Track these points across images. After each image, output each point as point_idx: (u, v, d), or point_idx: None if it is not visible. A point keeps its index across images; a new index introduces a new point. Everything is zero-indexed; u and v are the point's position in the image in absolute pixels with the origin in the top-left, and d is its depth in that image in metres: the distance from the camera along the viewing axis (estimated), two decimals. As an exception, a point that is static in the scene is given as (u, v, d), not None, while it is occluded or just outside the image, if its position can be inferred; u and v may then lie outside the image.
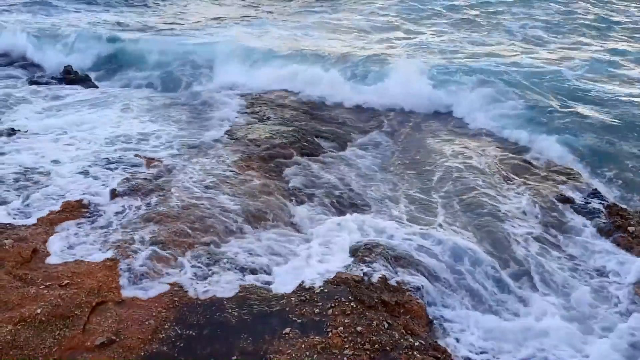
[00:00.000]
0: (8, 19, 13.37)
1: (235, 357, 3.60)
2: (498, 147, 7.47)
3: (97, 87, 9.97)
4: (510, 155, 7.21)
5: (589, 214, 5.67)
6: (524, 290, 4.60)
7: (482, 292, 4.53)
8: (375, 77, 9.83)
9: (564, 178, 6.47)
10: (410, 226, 5.37)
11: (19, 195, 5.34)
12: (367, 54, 11.08)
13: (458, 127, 8.38)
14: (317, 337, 3.76)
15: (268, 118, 8.17)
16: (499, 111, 8.43)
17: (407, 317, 4.09)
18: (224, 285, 4.28)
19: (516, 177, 6.52)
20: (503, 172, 6.62)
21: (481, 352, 3.96)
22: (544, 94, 8.89)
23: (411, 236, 5.13)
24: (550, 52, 11.63)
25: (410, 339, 3.80)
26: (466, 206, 5.77)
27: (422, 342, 3.80)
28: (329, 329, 3.83)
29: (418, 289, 4.40)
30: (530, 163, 6.95)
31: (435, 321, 4.20)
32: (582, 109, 8.33)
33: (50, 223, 4.90)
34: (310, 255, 4.73)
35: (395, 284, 4.39)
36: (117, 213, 5.20)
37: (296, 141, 7.20)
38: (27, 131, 7.08)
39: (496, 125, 8.10)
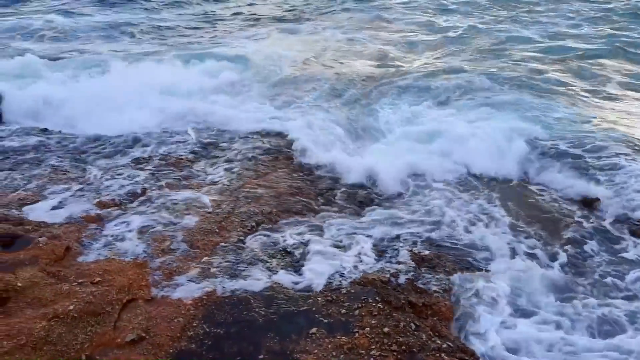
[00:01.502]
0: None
1: (262, 356, 3.62)
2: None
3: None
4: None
5: None
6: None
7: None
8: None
9: None
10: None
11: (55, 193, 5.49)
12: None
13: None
14: (343, 337, 3.76)
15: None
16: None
17: (435, 318, 4.05)
18: (252, 283, 4.31)
19: None
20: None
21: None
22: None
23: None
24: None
25: (438, 341, 3.77)
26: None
27: (450, 344, 3.76)
28: (355, 330, 3.83)
29: (446, 290, 4.36)
30: None
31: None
32: None
33: (83, 221, 5.00)
34: (338, 255, 4.72)
35: (423, 286, 4.37)
36: (145, 211, 5.28)
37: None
38: None
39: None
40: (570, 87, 9.17)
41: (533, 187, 6.24)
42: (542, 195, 6.01)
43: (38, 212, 5.13)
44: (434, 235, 5.16)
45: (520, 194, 6.10)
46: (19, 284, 4.02)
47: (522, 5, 15.66)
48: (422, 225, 5.32)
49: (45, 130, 7.33)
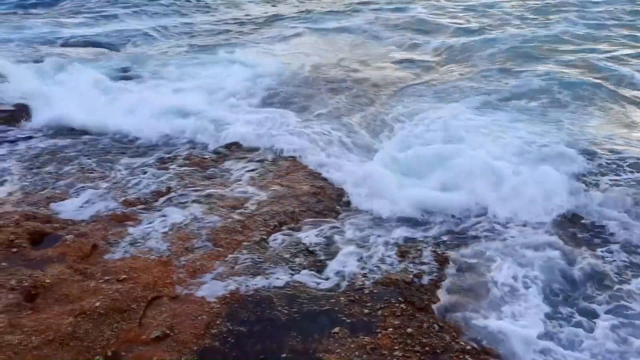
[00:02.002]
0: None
1: (284, 355, 3.63)
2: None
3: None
4: None
5: None
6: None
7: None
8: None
9: None
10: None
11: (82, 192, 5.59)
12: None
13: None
14: (366, 337, 3.75)
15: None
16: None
17: (460, 319, 4.01)
18: (275, 282, 4.33)
19: None
20: None
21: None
22: None
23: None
24: None
25: (462, 342, 3.74)
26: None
27: (475, 345, 3.73)
28: (378, 330, 3.82)
29: (471, 290, 4.32)
30: None
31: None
32: None
33: (109, 219, 5.08)
34: (360, 255, 4.72)
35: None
36: (170, 210, 5.34)
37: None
38: None
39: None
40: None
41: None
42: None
43: (66, 210, 5.23)
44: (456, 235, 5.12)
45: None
46: (47, 281, 4.11)
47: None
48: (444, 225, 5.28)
49: (72, 130, 7.45)
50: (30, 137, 7.12)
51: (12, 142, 6.84)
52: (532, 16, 14.17)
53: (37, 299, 3.97)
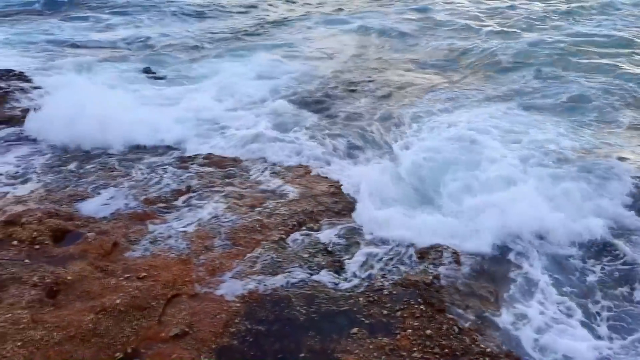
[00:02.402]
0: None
1: (303, 355, 3.63)
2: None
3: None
4: None
5: None
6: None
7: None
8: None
9: None
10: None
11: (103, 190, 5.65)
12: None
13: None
14: (385, 338, 3.73)
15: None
16: None
17: (479, 321, 3.97)
18: (293, 282, 4.32)
19: None
20: None
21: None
22: None
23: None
24: None
25: (482, 345, 3.69)
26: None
27: (495, 348, 3.68)
28: (397, 331, 3.79)
29: (490, 292, 4.27)
30: None
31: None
32: None
33: (129, 218, 5.13)
34: (380, 256, 4.69)
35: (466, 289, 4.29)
36: (190, 209, 5.37)
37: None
38: None
39: None
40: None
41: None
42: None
43: (87, 208, 5.28)
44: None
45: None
46: (69, 278, 4.16)
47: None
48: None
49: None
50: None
51: (34, 140, 6.93)
52: (557, 18, 13.95)
53: (58, 296, 4.01)
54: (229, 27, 14.24)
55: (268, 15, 15.88)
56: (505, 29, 13.02)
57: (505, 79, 9.65)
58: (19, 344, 3.46)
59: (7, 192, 5.55)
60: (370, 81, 9.81)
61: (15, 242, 4.58)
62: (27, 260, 4.35)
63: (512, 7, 15.28)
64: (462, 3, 16.42)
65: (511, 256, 4.80)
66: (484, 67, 10.42)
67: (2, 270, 4.17)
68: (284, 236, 4.96)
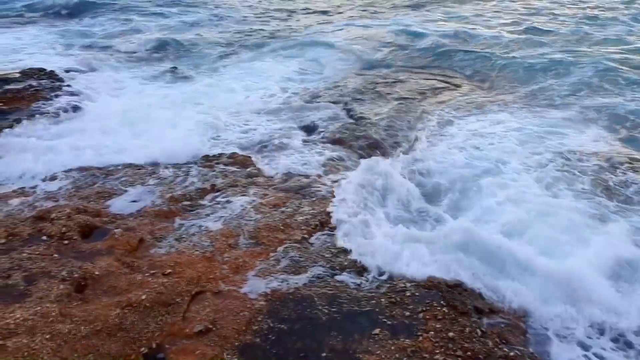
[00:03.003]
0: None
1: (324, 354, 3.64)
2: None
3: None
4: None
5: None
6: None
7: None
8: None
9: None
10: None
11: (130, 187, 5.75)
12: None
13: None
14: (407, 340, 3.72)
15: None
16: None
17: (502, 325, 3.93)
18: (315, 281, 4.34)
19: None
20: None
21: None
22: None
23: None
24: None
25: (505, 348, 3.66)
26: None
27: (518, 352, 3.64)
28: (419, 333, 3.78)
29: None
30: None
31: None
32: None
33: (155, 215, 5.21)
34: (402, 257, 4.67)
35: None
36: (214, 207, 5.43)
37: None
38: None
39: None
40: None
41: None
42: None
43: (115, 204, 5.38)
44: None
45: None
46: (96, 273, 4.24)
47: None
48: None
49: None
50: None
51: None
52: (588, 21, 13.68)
53: (86, 290, 4.10)
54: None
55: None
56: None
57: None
58: (47, 336, 3.54)
59: (37, 186, 5.70)
60: (395, 82, 9.80)
61: (44, 237, 4.69)
62: (56, 255, 4.45)
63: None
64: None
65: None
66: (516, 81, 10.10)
67: (32, 264, 4.28)
68: (306, 236, 4.98)
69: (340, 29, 14.13)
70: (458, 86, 9.78)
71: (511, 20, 14.25)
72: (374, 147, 7.21)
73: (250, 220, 5.18)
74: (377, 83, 9.94)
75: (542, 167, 6.30)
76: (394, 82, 9.95)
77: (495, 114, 8.23)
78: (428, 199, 5.88)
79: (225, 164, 6.46)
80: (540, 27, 13.22)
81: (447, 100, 9.02)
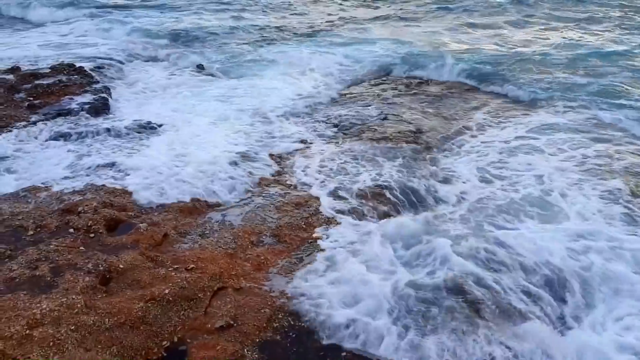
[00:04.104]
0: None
1: (344, 354, 3.64)
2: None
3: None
4: None
5: None
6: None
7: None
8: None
9: None
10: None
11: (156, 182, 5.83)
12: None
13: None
14: (428, 341, 3.70)
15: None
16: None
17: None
18: (336, 279, 4.33)
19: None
20: None
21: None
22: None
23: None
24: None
25: None
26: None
27: None
28: (440, 335, 3.75)
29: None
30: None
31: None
32: None
33: (179, 210, 5.26)
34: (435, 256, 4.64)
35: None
36: (237, 205, 5.47)
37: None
38: None
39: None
40: None
41: None
42: None
43: (140, 199, 5.44)
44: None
45: None
46: (121, 266, 4.30)
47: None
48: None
49: (149, 123, 7.73)
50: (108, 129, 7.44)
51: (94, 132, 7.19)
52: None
53: (110, 283, 4.16)
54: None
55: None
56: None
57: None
58: (72, 327, 3.60)
59: (65, 179, 5.80)
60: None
61: (71, 230, 4.77)
62: (82, 248, 4.53)
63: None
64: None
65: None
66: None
67: (59, 256, 4.36)
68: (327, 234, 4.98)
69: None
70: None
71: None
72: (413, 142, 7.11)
73: (273, 218, 5.20)
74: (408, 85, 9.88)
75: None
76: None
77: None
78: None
79: (252, 161, 6.50)
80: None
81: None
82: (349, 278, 4.27)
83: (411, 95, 9.22)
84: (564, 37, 12.49)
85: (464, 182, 6.06)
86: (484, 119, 8.02)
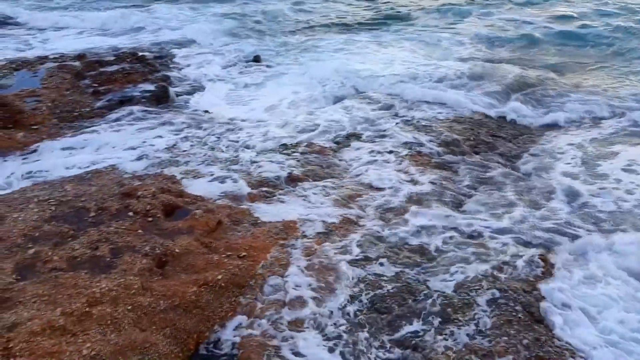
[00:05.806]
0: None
1: (389, 346, 3.62)
2: None
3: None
4: None
5: None
6: None
7: None
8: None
9: None
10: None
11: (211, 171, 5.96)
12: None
13: None
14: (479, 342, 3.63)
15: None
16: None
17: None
18: (387, 275, 4.31)
19: None
20: None
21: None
22: None
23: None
24: None
25: (583, 361, 3.49)
26: None
27: (597, 364, 3.47)
28: (492, 336, 3.67)
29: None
30: None
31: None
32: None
33: (234, 199, 5.36)
34: (477, 257, 4.55)
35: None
36: (290, 195, 5.51)
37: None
38: None
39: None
40: None
41: None
42: None
43: (196, 186, 5.58)
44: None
45: None
46: (177, 250, 4.42)
47: None
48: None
49: (207, 112, 7.91)
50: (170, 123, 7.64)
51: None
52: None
53: (166, 266, 4.28)
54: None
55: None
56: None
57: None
58: (129, 307, 3.73)
59: (126, 164, 6.01)
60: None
61: (131, 214, 4.93)
62: (140, 231, 4.68)
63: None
64: None
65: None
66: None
67: (118, 238, 4.51)
68: (379, 229, 4.95)
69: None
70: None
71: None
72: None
73: (324, 210, 5.21)
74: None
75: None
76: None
77: None
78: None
79: (303, 153, 6.53)
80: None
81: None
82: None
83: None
84: None
85: None
86: None
